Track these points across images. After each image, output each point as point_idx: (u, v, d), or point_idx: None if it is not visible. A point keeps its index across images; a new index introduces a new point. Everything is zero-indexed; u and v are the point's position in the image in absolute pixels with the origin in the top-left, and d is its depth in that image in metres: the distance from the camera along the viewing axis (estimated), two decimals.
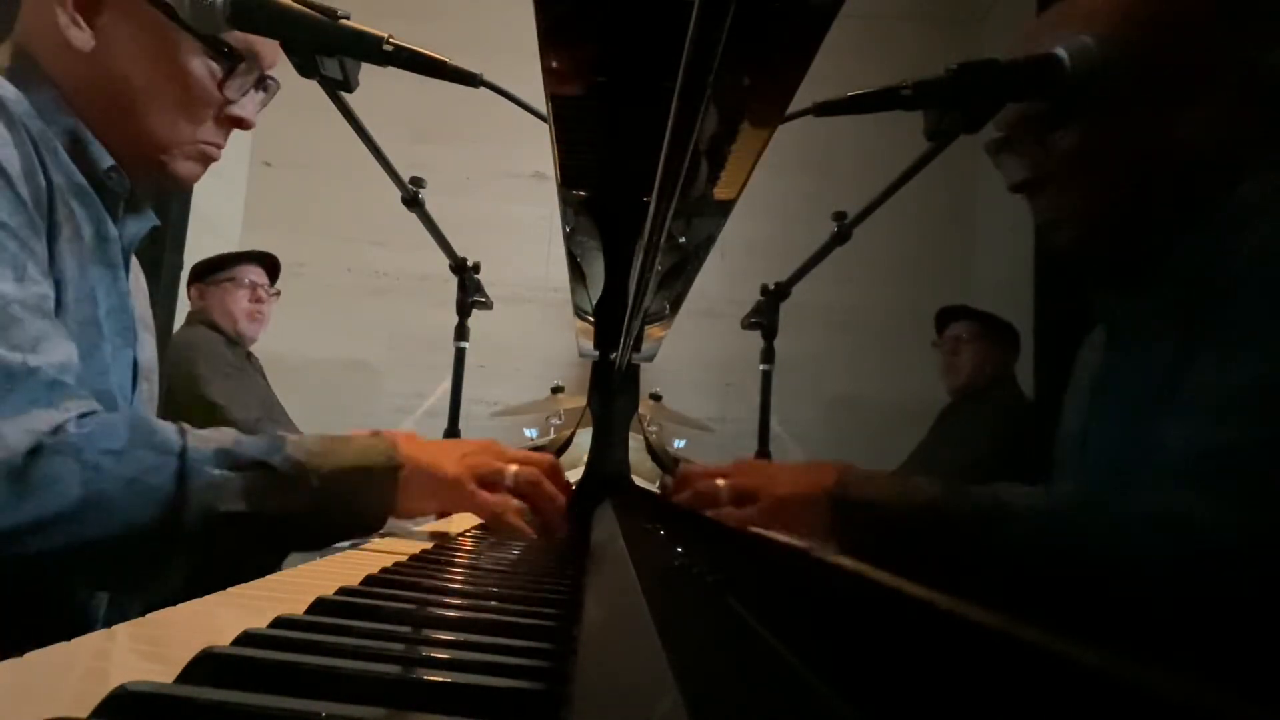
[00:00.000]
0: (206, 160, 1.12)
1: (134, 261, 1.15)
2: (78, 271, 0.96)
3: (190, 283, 2.98)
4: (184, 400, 2.57)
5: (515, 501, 1.02)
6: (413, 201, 1.57)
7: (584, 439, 1.97)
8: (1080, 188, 0.19)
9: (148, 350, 1.13)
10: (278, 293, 3.07)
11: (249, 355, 3.02)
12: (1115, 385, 0.17)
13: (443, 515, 1.06)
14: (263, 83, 1.13)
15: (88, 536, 0.80)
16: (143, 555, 0.84)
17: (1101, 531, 0.16)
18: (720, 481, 0.49)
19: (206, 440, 0.89)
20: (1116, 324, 0.17)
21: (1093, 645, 0.17)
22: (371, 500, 0.94)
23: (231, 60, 1.06)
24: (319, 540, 0.96)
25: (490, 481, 1.02)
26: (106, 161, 1.01)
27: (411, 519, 1.08)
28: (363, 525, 0.97)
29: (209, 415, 2.64)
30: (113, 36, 1.02)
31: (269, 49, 1.10)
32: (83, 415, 0.84)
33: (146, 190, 1.11)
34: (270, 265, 3.07)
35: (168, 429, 0.88)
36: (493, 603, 0.57)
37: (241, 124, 1.13)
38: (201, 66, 1.05)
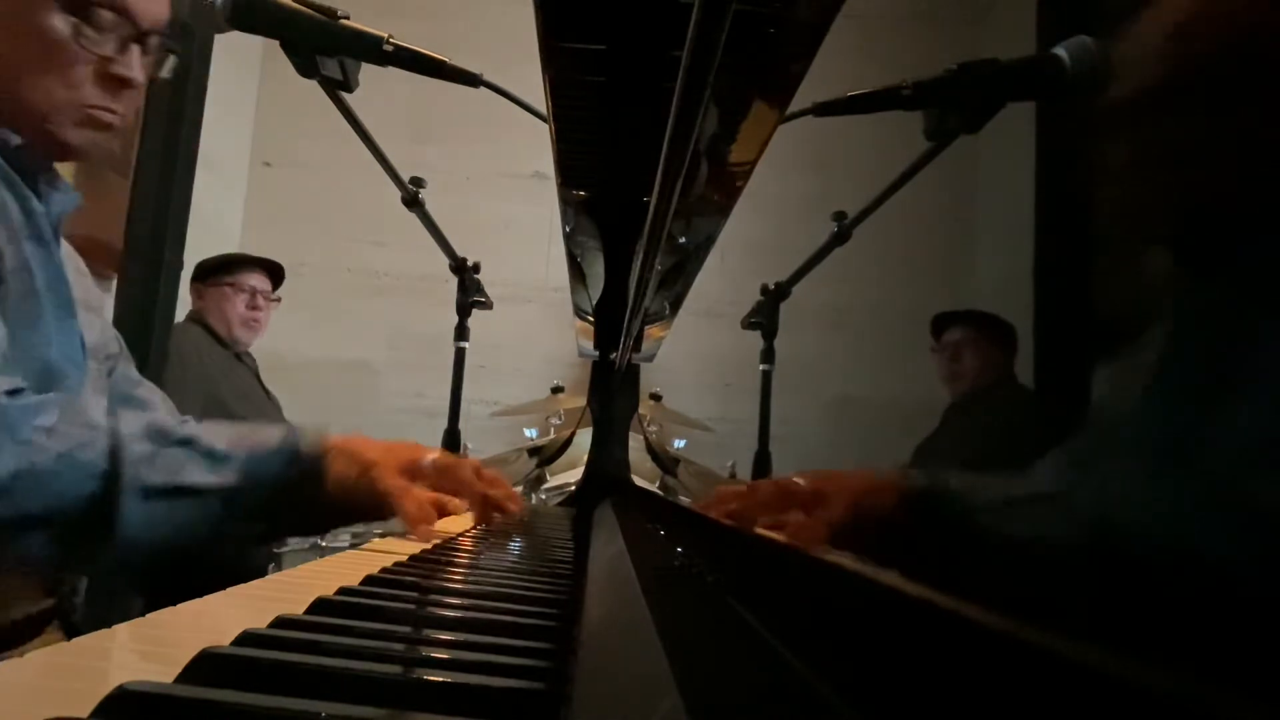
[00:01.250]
0: (101, 126, 1.07)
1: (67, 244, 1.13)
2: (11, 245, 0.96)
3: (192, 281, 2.96)
4: None
5: (424, 495, 1.04)
6: (413, 201, 1.57)
7: (584, 439, 1.97)
8: (1178, 176, 0.18)
9: (95, 331, 1.13)
10: (278, 299, 3.06)
11: (240, 355, 3.00)
12: (1184, 379, 0.17)
13: (370, 517, 1.09)
14: (145, 39, 1.06)
15: (23, 509, 0.82)
16: (80, 527, 0.86)
17: (1183, 530, 0.15)
18: (799, 480, 0.48)
19: (136, 420, 0.92)
20: (1191, 317, 0.16)
21: (1141, 652, 0.17)
22: (298, 480, 0.97)
23: (75, 6, 1.01)
24: (256, 525, 0.98)
25: (411, 470, 1.04)
26: (14, 140, 1.00)
27: (340, 519, 1.10)
28: (295, 510, 0.98)
29: None
30: None
31: (143, 1, 1.05)
32: (12, 391, 0.86)
33: (55, 162, 1.07)
34: (274, 271, 3.05)
35: (97, 408, 0.91)
36: (493, 603, 0.57)
37: (127, 83, 1.06)
38: (61, 22, 1.01)
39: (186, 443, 0.93)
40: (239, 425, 1.00)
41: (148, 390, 1.27)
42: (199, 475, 0.93)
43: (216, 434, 0.96)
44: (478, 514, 1.13)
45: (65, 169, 1.12)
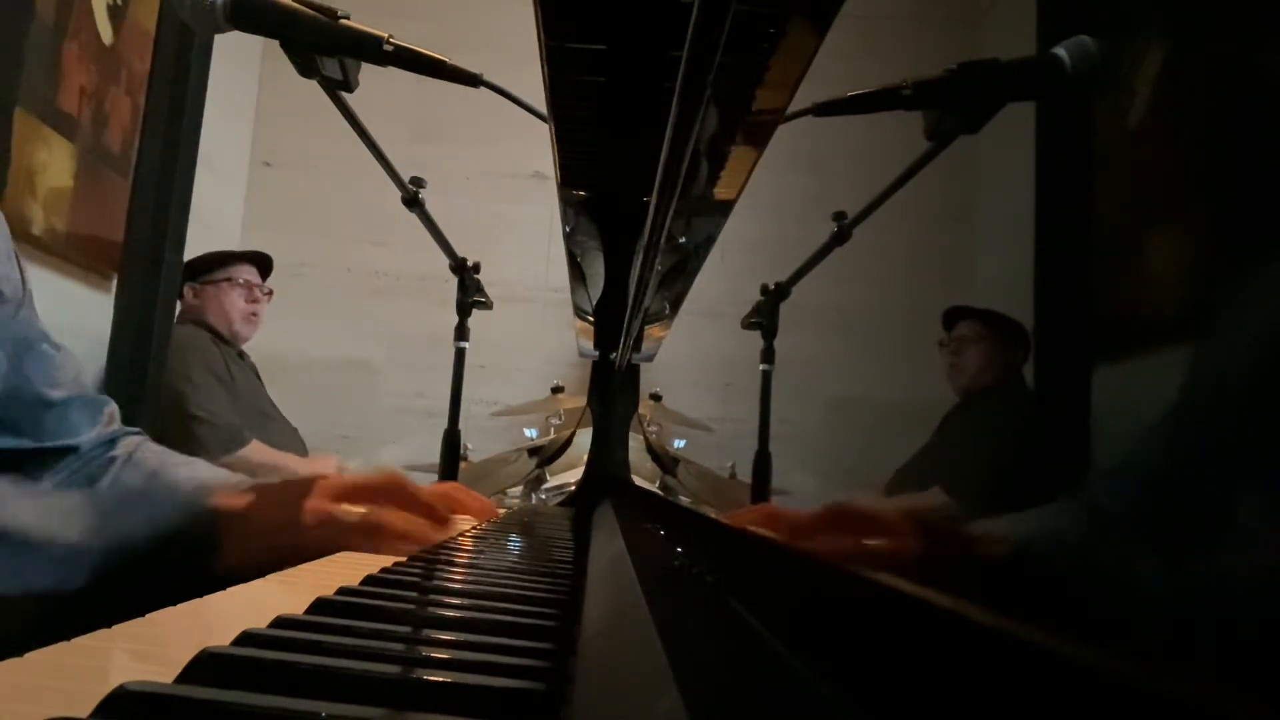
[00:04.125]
0: None
1: None
2: None
3: (184, 281, 2.92)
4: (165, 403, 2.55)
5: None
6: (413, 201, 1.57)
7: (584, 439, 1.97)
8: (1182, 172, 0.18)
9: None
10: (270, 292, 3.05)
11: (241, 354, 2.99)
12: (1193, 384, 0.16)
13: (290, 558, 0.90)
14: None
15: None
16: None
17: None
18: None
19: None
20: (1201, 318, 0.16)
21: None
22: (176, 575, 0.81)
23: None
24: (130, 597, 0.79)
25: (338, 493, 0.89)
26: None
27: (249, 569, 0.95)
28: (181, 581, 0.80)
29: (186, 426, 2.62)
30: None
31: None
32: None
33: None
34: (262, 264, 3.04)
35: None
36: (493, 603, 0.57)
37: None
38: None
39: (22, 538, 0.74)
40: (103, 497, 0.83)
41: (50, 365, 0.95)
42: (36, 582, 0.74)
43: (70, 514, 0.78)
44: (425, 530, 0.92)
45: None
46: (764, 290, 0.85)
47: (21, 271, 0.95)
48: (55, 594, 0.75)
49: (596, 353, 1.66)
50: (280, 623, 0.45)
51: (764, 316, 0.86)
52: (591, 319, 1.67)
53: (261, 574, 0.90)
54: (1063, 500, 0.21)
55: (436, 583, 0.66)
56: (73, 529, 0.78)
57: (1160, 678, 0.15)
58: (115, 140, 2.64)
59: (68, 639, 0.81)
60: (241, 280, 2.94)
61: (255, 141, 3.92)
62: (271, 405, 3.05)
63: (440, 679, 0.37)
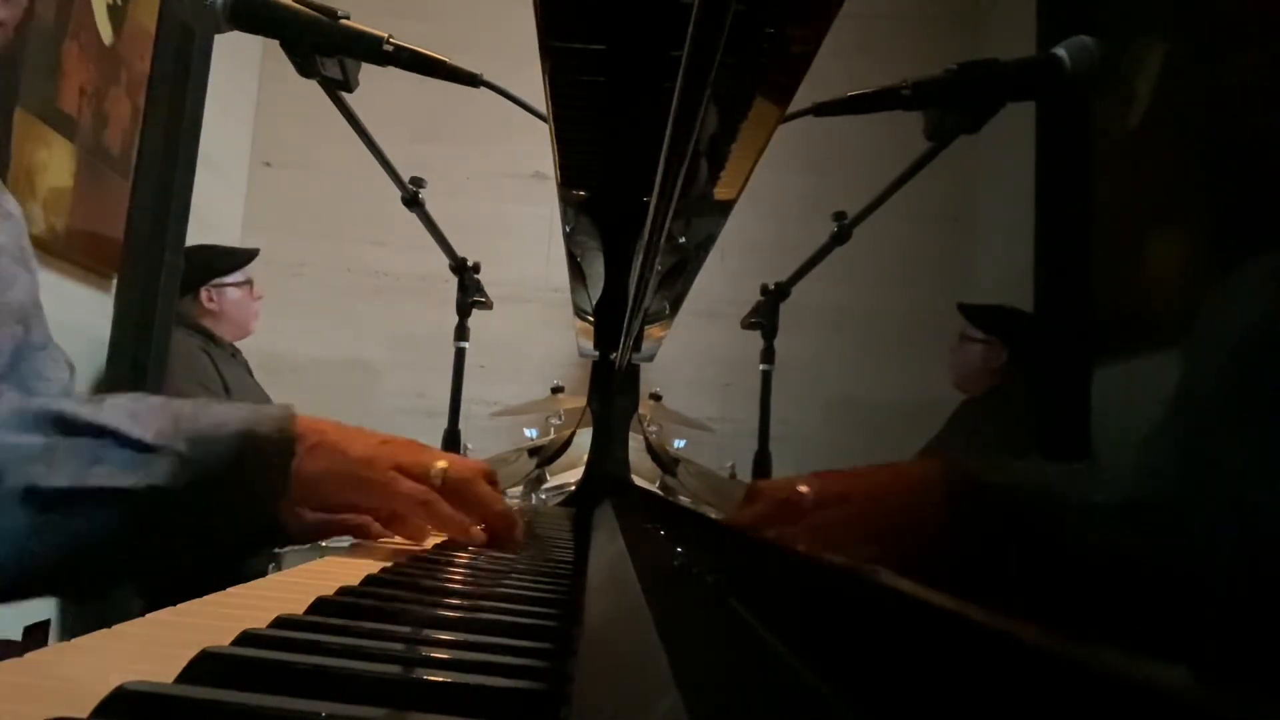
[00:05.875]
0: None
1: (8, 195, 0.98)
2: None
3: (199, 286, 2.82)
4: None
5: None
6: (413, 201, 1.57)
7: (584, 439, 1.97)
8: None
9: (18, 290, 0.94)
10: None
11: (234, 352, 2.95)
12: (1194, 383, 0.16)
13: (354, 529, 0.86)
14: None
15: None
16: None
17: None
18: (803, 489, 0.46)
19: (24, 407, 0.71)
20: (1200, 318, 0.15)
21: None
22: (258, 478, 0.76)
23: None
24: (191, 537, 0.76)
25: (413, 476, 0.83)
26: None
27: (312, 530, 0.87)
28: (246, 518, 0.78)
29: None
30: None
31: None
32: None
33: None
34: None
35: None
36: (493, 603, 0.57)
37: None
38: None
39: (100, 432, 0.71)
40: (179, 403, 0.78)
41: (49, 360, 0.96)
42: (116, 475, 0.70)
43: (144, 417, 0.73)
44: (490, 540, 0.89)
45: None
46: (764, 290, 0.85)
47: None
48: (138, 491, 0.71)
49: (596, 353, 1.66)
50: (280, 623, 0.45)
51: (764, 316, 0.86)
52: (591, 319, 1.67)
53: (314, 532, 0.88)
54: (1062, 500, 0.21)
55: (436, 583, 0.66)
56: (149, 424, 0.74)
57: (1161, 676, 0.15)
58: (115, 140, 2.64)
59: (141, 552, 0.74)
60: (248, 280, 2.92)
61: (255, 141, 3.92)
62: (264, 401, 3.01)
63: (440, 679, 0.37)
